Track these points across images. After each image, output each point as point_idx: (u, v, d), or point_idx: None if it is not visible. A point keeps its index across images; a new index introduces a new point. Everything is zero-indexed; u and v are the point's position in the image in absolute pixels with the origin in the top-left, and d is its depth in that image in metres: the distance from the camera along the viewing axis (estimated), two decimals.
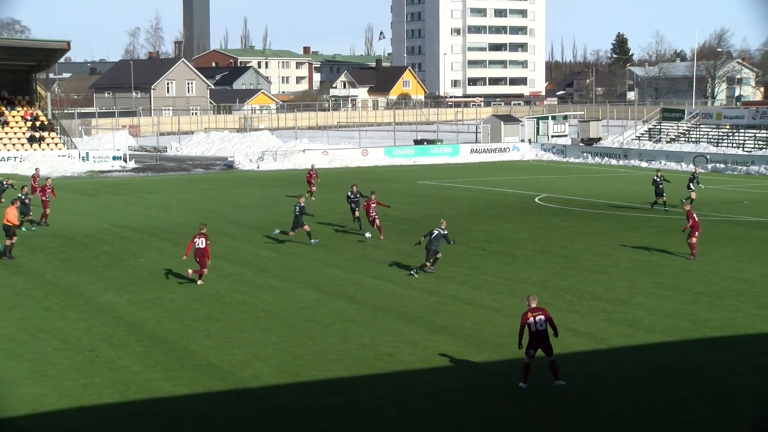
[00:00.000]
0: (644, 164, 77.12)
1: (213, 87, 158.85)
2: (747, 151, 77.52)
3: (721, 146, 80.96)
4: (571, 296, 27.56)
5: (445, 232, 30.62)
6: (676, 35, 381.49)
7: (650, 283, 29.21)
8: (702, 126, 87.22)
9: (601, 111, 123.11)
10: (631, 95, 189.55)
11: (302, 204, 36.93)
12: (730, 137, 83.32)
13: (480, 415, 17.84)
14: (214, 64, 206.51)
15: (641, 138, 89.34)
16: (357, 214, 40.15)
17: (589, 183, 62.00)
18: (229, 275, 30.83)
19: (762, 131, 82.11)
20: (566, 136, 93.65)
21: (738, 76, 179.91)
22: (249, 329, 23.95)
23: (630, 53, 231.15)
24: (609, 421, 17.57)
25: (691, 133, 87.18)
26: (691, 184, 49.15)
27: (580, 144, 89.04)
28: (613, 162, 79.46)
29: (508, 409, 18.07)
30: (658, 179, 46.18)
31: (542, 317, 18.95)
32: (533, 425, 17.41)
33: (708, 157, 74.42)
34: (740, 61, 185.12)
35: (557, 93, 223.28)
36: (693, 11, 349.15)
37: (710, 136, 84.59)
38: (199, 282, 29.33)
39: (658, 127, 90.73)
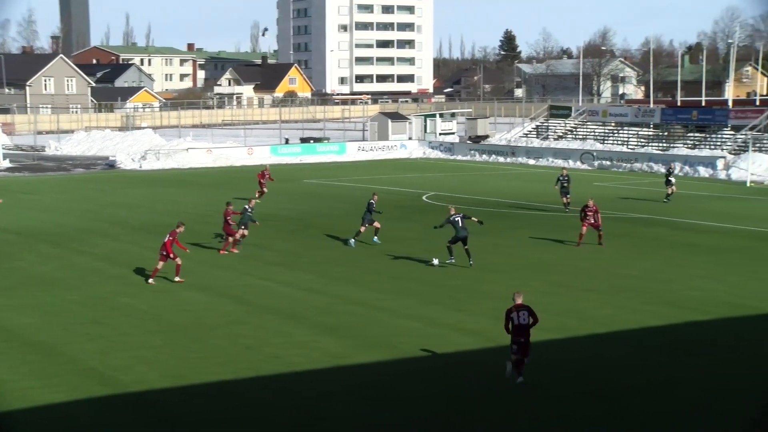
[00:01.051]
0: (532, 161, 78.38)
1: (94, 84, 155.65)
2: (631, 149, 79.42)
3: (607, 143, 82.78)
4: (462, 294, 27.81)
5: (461, 215, 31.93)
6: (563, 33, 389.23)
7: (541, 281, 29.68)
8: (589, 123, 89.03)
9: (489, 108, 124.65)
10: (519, 92, 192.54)
11: (251, 207, 35.76)
12: (616, 134, 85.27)
13: (370, 416, 17.87)
14: (95, 61, 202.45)
15: (529, 135, 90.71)
16: (376, 224, 36.61)
17: (478, 181, 62.72)
18: (112, 277, 30.27)
19: (644, 129, 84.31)
20: (454, 133, 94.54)
21: (621, 75, 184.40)
22: (133, 332, 23.55)
23: (518, 50, 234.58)
24: (503, 421, 17.77)
25: (578, 130, 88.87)
26: (669, 179, 51.08)
27: (468, 141, 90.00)
28: (501, 159, 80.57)
29: (397, 411, 18.14)
30: (563, 178, 46.23)
31: (525, 312, 19.80)
32: (424, 427, 17.50)
33: (595, 154, 76.09)
34: (623, 60, 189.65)
35: (445, 90, 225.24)
36: (578, 10, 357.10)
37: (597, 134, 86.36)
38: (177, 279, 29.33)
39: (546, 124, 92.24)
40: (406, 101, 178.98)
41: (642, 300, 27.04)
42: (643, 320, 24.73)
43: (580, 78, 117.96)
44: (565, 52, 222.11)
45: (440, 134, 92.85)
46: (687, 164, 68.79)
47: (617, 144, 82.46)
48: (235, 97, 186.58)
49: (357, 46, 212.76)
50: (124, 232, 39.99)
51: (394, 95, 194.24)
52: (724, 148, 73.96)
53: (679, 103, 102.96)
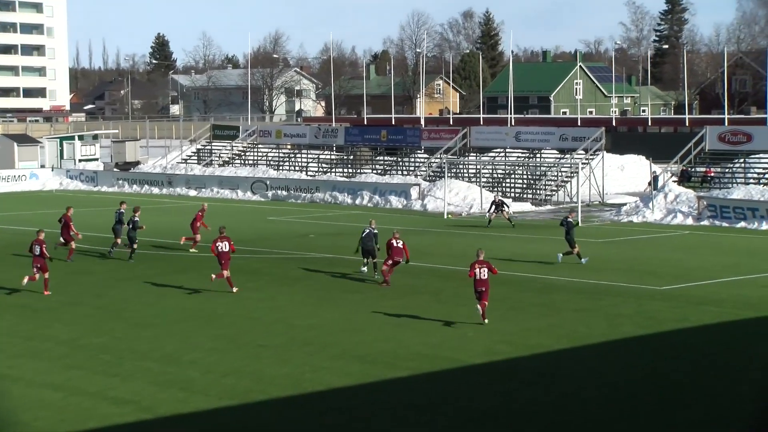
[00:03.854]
0: (193, 192, 78.35)
1: None
2: (311, 176, 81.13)
3: (283, 170, 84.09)
4: (109, 356, 27.32)
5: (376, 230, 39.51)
6: (227, 38, 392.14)
7: (206, 336, 29.64)
8: (260, 146, 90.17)
9: (140, 129, 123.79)
10: (175, 109, 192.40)
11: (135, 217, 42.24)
12: (293, 159, 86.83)
13: None
14: None
15: (189, 161, 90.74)
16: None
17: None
18: None
19: (326, 152, 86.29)
20: (98, 159, 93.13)
21: (298, 88, 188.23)
22: None
23: (173, 59, 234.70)
24: None
25: (247, 154, 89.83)
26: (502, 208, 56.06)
27: (115, 169, 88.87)
28: (156, 190, 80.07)
29: None
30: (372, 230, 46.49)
31: (485, 269, 30.46)
32: None
33: (268, 182, 76.99)
34: (299, 70, 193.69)
35: (85, 107, 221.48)
36: (245, 10, 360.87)
37: (270, 158, 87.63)
38: (234, 290, 35.97)
39: (209, 147, 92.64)
40: (37, 120, 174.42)
41: (328, 355, 27.54)
42: (330, 380, 25.18)
43: (249, 92, 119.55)
44: (230, 61, 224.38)
45: (80, 161, 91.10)
46: (377, 193, 70.99)
47: (295, 170, 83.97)
48: None
49: None
50: None
51: (21, 113, 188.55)
52: (418, 174, 77.11)
53: (365, 122, 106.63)
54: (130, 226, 43.80)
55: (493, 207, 57.45)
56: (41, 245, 35.81)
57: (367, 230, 39.51)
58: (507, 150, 78.15)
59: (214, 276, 36.10)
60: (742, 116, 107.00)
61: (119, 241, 44.99)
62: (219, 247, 36.13)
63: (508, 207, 58.61)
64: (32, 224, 56.51)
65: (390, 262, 37.51)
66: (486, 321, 30.51)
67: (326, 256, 45.42)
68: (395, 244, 37.27)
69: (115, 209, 46.34)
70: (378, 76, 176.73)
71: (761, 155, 68.47)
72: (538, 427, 21.87)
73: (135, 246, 43.76)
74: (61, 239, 43.83)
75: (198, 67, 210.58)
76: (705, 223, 57.14)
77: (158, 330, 30.65)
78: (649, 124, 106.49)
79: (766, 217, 55.40)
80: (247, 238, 49.78)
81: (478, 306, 30.51)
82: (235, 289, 36.16)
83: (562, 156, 74.44)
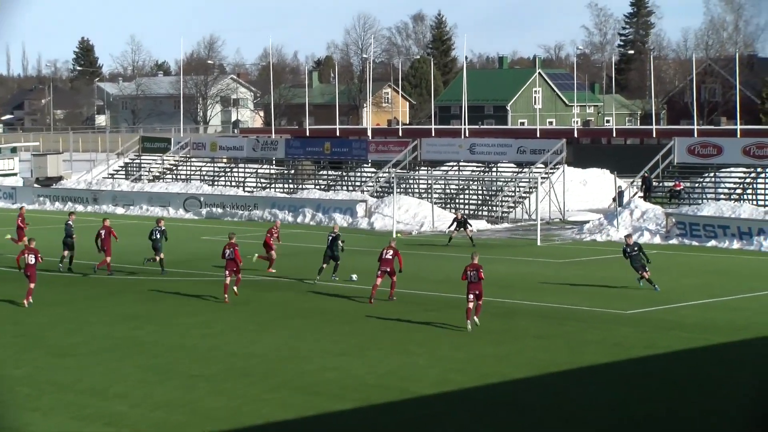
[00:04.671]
0: (120, 210, 77.97)
1: None
2: (249, 192, 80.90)
3: (218, 185, 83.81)
4: (29, 389, 27.07)
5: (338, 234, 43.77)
6: (158, 42, 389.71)
7: (134, 366, 29.43)
8: (194, 159, 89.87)
9: (63, 141, 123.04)
10: (101, 119, 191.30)
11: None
12: (229, 174, 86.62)
13: None
14: None
15: (116, 176, 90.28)
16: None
17: (47, 237, 61.38)
18: None
19: (265, 166, 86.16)
20: (16, 174, 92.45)
21: (234, 96, 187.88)
22: None
23: (98, 65, 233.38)
24: None
25: (180, 168, 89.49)
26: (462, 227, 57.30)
27: (36, 185, 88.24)
28: (81, 208, 79.53)
29: None
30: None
31: (476, 272, 33.38)
32: None
33: (202, 199, 76.72)
34: (236, 77, 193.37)
35: (3, 117, 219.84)
36: (176, 11, 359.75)
37: (204, 173, 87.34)
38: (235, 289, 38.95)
39: (138, 161, 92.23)
40: None
41: (268, 386, 27.43)
42: (270, 413, 25.08)
43: (181, 101, 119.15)
44: (161, 67, 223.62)
45: None
46: (320, 210, 70.88)
47: (231, 186, 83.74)
48: None
49: None
50: None
51: None
52: (365, 189, 77.09)
53: (308, 133, 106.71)
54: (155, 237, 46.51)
55: (455, 224, 57.64)
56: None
57: (332, 236, 43.57)
58: (461, 163, 78.25)
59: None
60: (712, 127, 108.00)
61: (67, 253, 47.22)
62: (227, 255, 39.28)
63: (471, 225, 58.79)
64: None
65: (380, 273, 39.14)
66: (478, 324, 33.67)
67: (266, 279, 45.30)
68: (385, 255, 39.07)
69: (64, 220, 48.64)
70: (321, 84, 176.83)
71: (732, 169, 68.99)
72: None
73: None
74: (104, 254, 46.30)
75: (126, 74, 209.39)
76: (674, 241, 57.52)
77: (82, 360, 30.39)
78: (614, 135, 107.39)
79: (738, 236, 55.89)
80: (179, 259, 49.57)
81: (474, 317, 33.79)
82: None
83: (520, 170, 74.67)
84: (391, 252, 38.96)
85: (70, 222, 48.05)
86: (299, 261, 49.99)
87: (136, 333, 34.11)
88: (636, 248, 41.76)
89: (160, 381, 27.98)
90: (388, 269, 38.91)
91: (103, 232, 45.95)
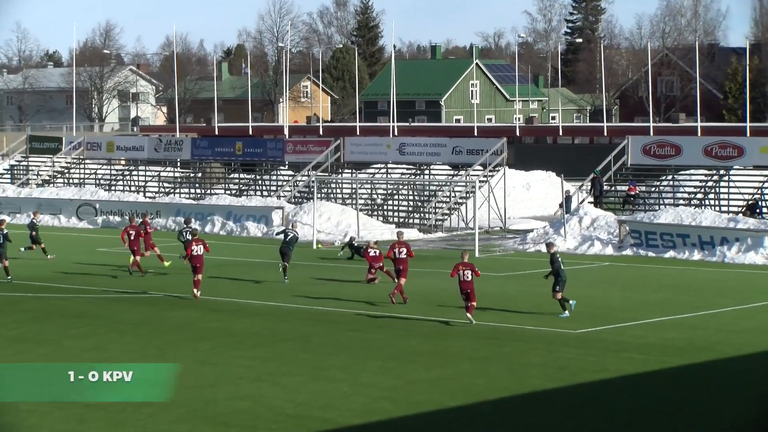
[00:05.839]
0: (5, 218, 76.97)
1: None
2: (150, 198, 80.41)
3: (116, 190, 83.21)
4: None
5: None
6: (47, 29, 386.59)
7: (22, 395, 29.12)
8: (88, 161, 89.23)
9: None
10: None
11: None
12: (128, 177, 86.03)
13: None
14: None
15: (0, 180, 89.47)
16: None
17: None
18: None
19: (168, 169, 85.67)
20: None
21: (134, 90, 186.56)
22: None
23: None
24: None
25: (72, 171, 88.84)
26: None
27: None
28: None
29: None
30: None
31: (469, 271, 37.04)
32: None
33: (98, 206, 76.13)
34: (135, 68, 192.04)
35: None
36: None
37: (100, 176, 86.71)
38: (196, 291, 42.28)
39: (26, 163, 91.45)
40: None
41: (172, 417, 27.27)
42: None
43: (74, 95, 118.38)
44: (51, 58, 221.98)
45: None
46: (231, 218, 70.64)
47: (130, 191, 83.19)
48: None
49: None
50: None
51: None
52: (282, 195, 76.92)
53: (217, 131, 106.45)
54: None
55: (347, 248, 58.00)
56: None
57: (291, 234, 47.55)
58: (389, 165, 78.36)
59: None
60: (670, 125, 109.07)
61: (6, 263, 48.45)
62: (194, 251, 42.62)
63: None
64: None
65: (373, 270, 46.25)
66: (473, 322, 37.32)
67: (169, 296, 45.04)
68: (371, 254, 45.99)
69: None
70: (232, 77, 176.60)
71: (692, 171, 69.38)
72: None
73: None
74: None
75: (11, 66, 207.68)
76: (627, 252, 57.89)
77: None
78: (561, 133, 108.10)
79: (699, 246, 56.23)
80: (71, 274, 49.19)
81: (468, 315, 37.43)
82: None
83: (456, 173, 74.90)
84: (404, 250, 42.93)
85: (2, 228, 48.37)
86: (205, 274, 49.80)
87: (21, 357, 33.74)
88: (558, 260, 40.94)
89: (49, 411, 27.68)
90: (378, 264, 44.67)
91: None
